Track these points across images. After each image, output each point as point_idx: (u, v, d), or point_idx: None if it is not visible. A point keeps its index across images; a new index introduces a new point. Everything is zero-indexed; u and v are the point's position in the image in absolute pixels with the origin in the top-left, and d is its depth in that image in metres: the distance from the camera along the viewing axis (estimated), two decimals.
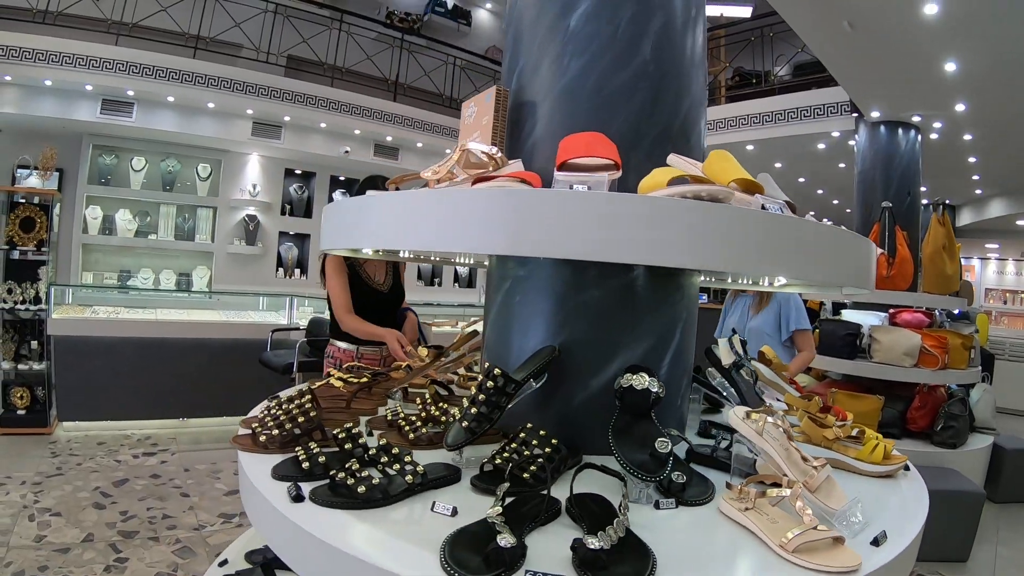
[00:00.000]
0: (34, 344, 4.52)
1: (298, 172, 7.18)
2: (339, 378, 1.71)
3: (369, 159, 6.91)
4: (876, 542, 0.94)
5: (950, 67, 4.10)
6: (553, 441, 1.16)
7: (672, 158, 1.23)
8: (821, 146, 6.18)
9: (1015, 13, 3.29)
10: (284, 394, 1.56)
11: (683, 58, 1.42)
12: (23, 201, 4.48)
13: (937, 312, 3.94)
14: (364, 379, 1.73)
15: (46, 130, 5.64)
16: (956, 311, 4.28)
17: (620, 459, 1.04)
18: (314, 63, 6.65)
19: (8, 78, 5.11)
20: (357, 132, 6.58)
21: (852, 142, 5.69)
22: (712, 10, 7.66)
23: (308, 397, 1.36)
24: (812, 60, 6.86)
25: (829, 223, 1.15)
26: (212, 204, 6.51)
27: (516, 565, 0.81)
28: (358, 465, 1.05)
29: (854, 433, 1.43)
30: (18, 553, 2.69)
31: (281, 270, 7.04)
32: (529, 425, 1.19)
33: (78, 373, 4.38)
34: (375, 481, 1.01)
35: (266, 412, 1.37)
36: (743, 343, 1.67)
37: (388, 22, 7.51)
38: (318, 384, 1.68)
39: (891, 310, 3.90)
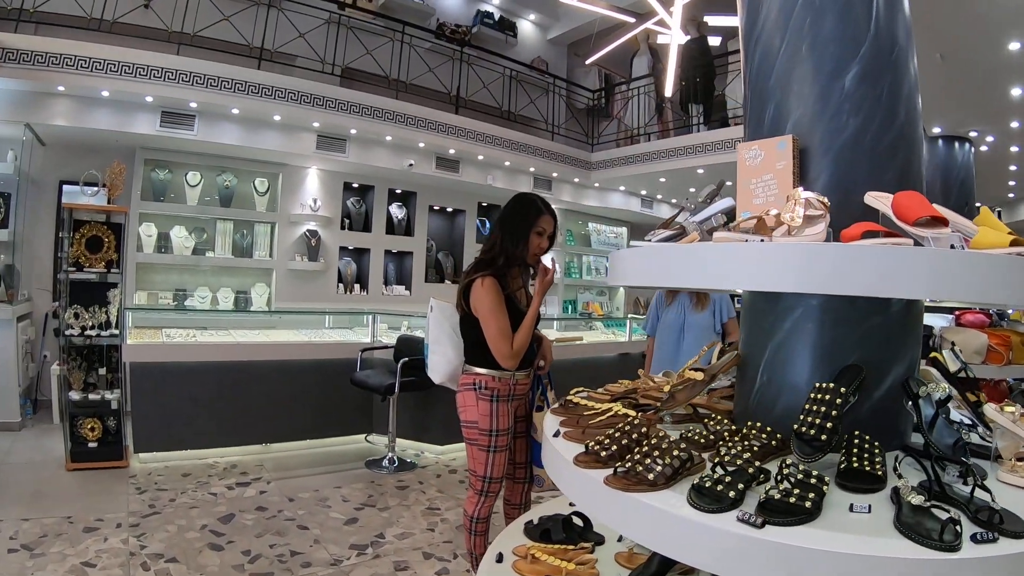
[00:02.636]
0: (102, 371, 4.42)
1: (355, 186, 7.16)
2: (630, 405, 1.79)
3: (431, 172, 6.96)
4: None
5: (1016, 92, 4.64)
6: (876, 443, 1.45)
7: (941, 210, 1.57)
8: None
9: None
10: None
11: (918, 120, 1.74)
12: (88, 220, 4.41)
13: (992, 312, 4.35)
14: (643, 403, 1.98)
15: (94, 143, 5.57)
16: (1010, 310, 4.79)
17: (935, 448, 1.39)
18: (371, 75, 6.63)
19: (61, 88, 5.02)
20: (421, 145, 6.59)
21: None
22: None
23: (663, 433, 1.44)
24: None
25: None
26: (271, 220, 6.45)
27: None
28: (786, 485, 1.21)
29: None
30: None
31: (341, 286, 7.00)
32: (856, 433, 1.45)
33: (154, 401, 4.28)
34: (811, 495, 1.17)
35: (614, 448, 1.42)
36: (953, 348, 2.06)
37: (440, 33, 7.62)
38: (611, 415, 1.72)
39: (956, 312, 4.31)
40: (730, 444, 1.48)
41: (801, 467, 1.28)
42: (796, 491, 1.19)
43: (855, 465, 1.38)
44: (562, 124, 8.65)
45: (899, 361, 1.64)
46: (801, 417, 1.46)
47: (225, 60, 5.52)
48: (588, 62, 6.90)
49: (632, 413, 1.74)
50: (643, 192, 9.62)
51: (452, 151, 6.97)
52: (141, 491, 3.80)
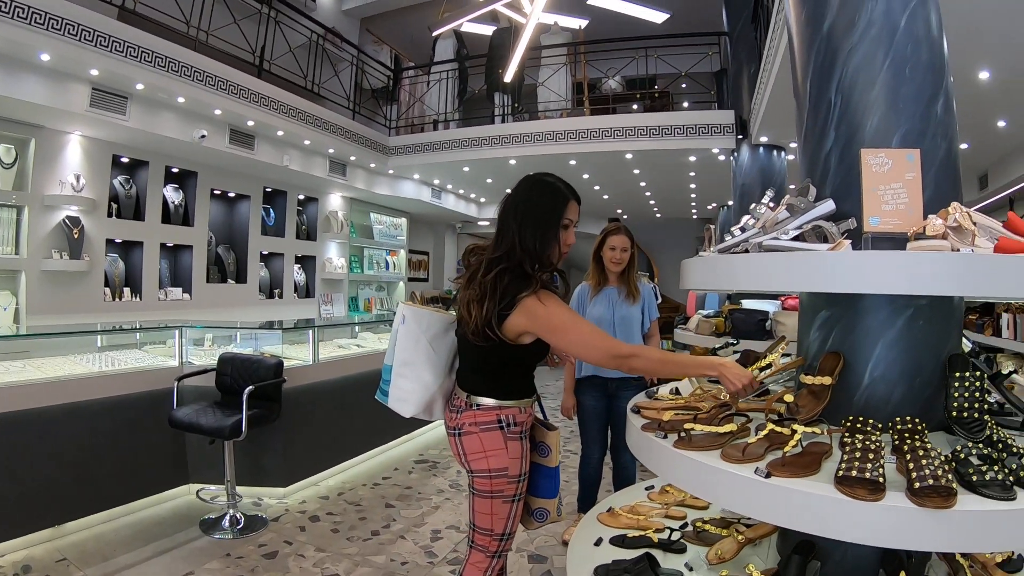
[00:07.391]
0: None
1: (125, 160, 5.94)
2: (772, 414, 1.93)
3: (223, 148, 6.12)
4: None
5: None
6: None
7: None
8: (692, 159, 7.49)
9: None
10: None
11: None
12: None
13: None
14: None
15: None
16: None
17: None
18: (161, 21, 5.47)
19: None
20: (217, 113, 5.76)
21: (725, 159, 7.15)
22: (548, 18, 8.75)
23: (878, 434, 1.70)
24: (643, 77, 8.51)
25: None
26: (18, 203, 5.03)
27: None
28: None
29: None
30: None
31: (107, 291, 5.73)
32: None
33: None
34: None
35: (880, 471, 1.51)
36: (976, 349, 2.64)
37: None
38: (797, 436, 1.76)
39: (782, 298, 5.38)
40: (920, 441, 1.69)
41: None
42: None
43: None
44: (361, 104, 8.28)
45: (959, 348, 2.06)
46: (955, 404, 1.83)
47: None
48: (435, 33, 6.67)
49: (818, 431, 1.88)
50: (435, 181, 9.69)
51: (251, 123, 6.22)
52: None
